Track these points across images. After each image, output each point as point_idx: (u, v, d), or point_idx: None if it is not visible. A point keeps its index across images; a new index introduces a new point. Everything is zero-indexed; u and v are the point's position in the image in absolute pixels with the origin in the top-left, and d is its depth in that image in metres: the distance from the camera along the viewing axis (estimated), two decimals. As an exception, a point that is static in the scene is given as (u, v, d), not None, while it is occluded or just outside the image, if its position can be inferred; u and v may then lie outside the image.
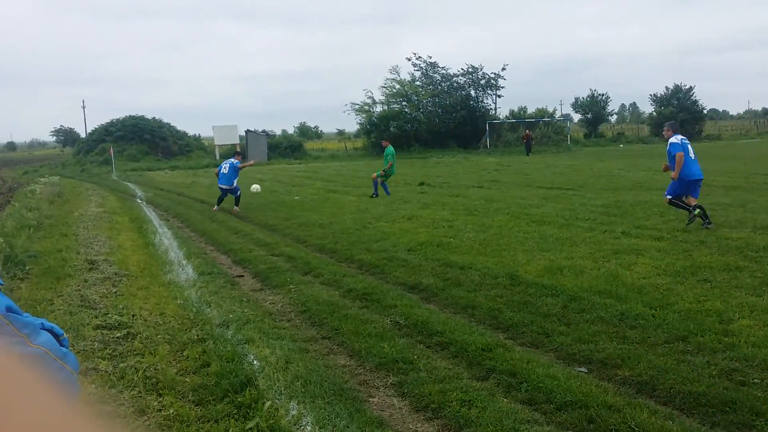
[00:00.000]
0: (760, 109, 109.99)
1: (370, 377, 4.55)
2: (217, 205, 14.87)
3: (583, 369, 4.45)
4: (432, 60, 48.14)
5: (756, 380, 4.01)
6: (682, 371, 4.19)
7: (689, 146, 9.49)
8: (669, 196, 9.61)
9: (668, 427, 3.48)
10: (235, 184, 14.56)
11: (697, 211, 9.24)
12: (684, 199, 9.54)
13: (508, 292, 6.33)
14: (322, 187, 20.06)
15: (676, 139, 9.50)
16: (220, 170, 14.80)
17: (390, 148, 16.76)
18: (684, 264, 7.06)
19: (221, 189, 14.72)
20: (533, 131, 43.78)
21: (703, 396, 3.84)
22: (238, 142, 44.55)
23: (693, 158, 9.44)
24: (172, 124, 50.94)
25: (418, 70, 48.25)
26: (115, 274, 7.80)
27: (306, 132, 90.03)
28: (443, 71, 48.30)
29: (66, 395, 1.51)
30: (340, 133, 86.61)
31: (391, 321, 5.68)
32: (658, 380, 4.11)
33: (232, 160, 14.97)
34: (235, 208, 14.41)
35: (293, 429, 3.67)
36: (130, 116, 49.07)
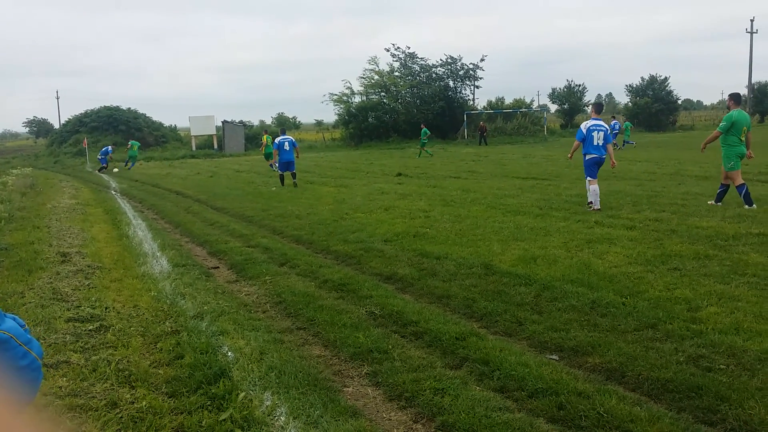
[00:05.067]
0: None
1: (345, 367, 4.57)
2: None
3: (554, 357, 4.51)
4: (411, 51, 48.18)
5: (722, 366, 4.10)
6: (651, 358, 4.27)
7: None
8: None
9: (636, 413, 3.55)
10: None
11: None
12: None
13: (483, 282, 6.38)
14: (299, 177, 19.95)
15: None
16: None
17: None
18: (655, 253, 7.17)
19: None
20: (490, 123, 44.65)
21: (671, 382, 3.92)
22: (214, 132, 44.23)
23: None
24: (147, 115, 50.42)
25: (396, 61, 48.23)
26: (88, 266, 7.71)
27: (284, 122, 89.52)
28: (422, 62, 48.35)
29: (28, 382, 1.51)
30: (319, 123, 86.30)
31: (366, 311, 5.70)
32: (627, 367, 4.19)
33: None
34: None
35: (267, 419, 3.68)
36: (105, 107, 48.41)
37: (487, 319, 5.36)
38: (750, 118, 10.49)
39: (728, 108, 10.47)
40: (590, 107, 11.70)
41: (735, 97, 10.45)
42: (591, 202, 10.56)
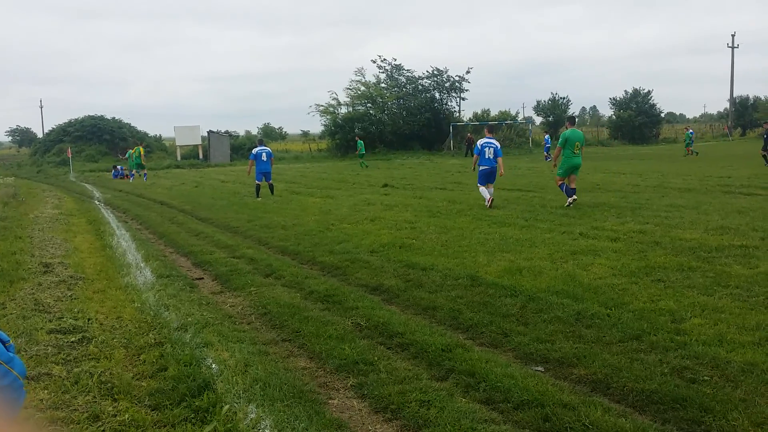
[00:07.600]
0: (715, 113, 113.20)
1: (330, 379, 4.54)
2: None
3: (540, 368, 4.51)
4: (397, 62, 48.39)
5: (706, 377, 4.12)
6: (635, 369, 4.29)
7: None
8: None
9: (621, 425, 3.56)
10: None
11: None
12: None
13: (469, 293, 6.39)
14: (285, 188, 19.95)
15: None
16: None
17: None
18: (639, 264, 7.22)
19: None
20: (476, 135, 44.96)
21: (655, 393, 3.93)
22: (200, 142, 44.08)
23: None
24: (132, 125, 50.19)
25: (382, 72, 48.40)
26: (71, 277, 7.63)
27: (270, 133, 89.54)
28: (408, 74, 48.54)
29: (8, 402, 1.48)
30: (305, 134, 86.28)
31: (352, 323, 5.68)
32: (612, 378, 4.20)
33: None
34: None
35: (251, 432, 3.64)
36: (89, 116, 48.11)
37: (473, 331, 5.36)
38: (583, 135, 13.09)
39: (566, 128, 13.00)
40: (485, 128, 14.50)
41: (570, 120, 13.36)
42: (487, 200, 13.04)
